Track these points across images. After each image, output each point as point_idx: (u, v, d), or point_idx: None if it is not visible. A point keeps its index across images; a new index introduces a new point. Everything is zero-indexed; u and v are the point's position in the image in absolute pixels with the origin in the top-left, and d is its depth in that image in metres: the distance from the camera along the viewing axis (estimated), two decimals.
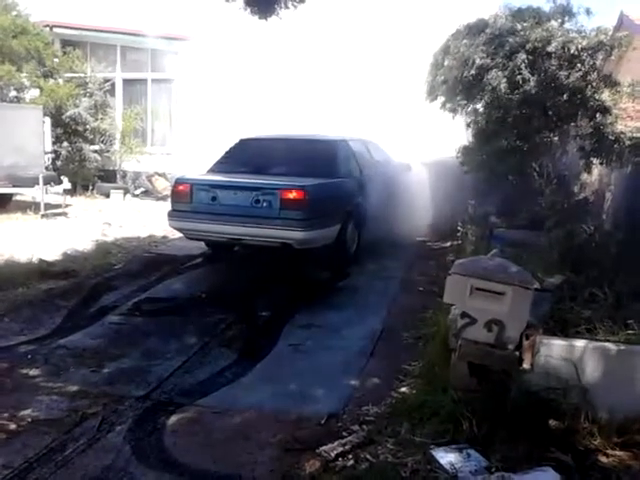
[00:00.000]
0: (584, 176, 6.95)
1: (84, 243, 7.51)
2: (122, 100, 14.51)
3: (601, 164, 5.74)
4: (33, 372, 3.89)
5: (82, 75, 13.86)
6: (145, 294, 5.66)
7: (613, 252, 4.83)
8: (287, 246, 5.90)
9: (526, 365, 3.17)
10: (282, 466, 2.86)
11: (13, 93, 13.11)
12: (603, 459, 2.73)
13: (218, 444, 3.08)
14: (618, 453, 2.77)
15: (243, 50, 11.64)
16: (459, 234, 7.56)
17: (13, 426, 3.18)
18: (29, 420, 3.25)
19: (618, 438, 2.82)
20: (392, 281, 6.33)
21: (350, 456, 2.91)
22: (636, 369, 2.98)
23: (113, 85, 14.37)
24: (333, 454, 2.92)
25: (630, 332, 3.30)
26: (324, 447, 2.97)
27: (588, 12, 6.09)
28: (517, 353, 3.21)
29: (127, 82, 14.53)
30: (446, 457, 2.75)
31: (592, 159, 5.68)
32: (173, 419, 3.33)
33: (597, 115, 5.37)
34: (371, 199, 7.11)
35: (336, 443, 3.01)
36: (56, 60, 13.52)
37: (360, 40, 11.78)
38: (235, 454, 2.98)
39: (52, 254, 6.80)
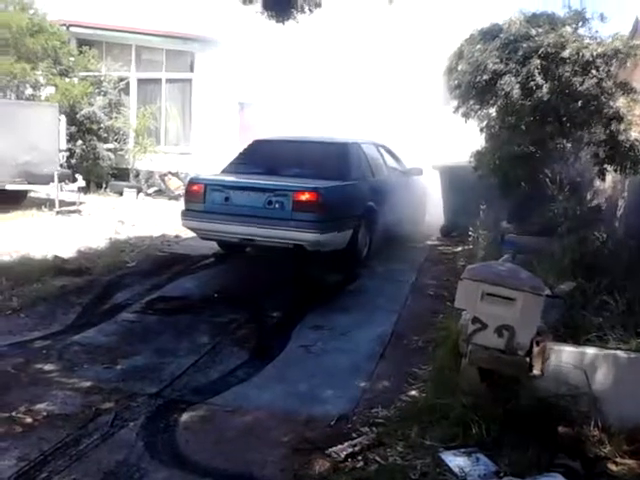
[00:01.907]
0: (597, 183, 6.92)
1: (98, 241, 7.59)
2: (136, 99, 14.64)
3: (615, 171, 5.73)
4: (48, 367, 3.96)
5: (97, 74, 14.01)
6: (158, 292, 5.72)
7: (625, 259, 4.81)
8: (300, 248, 5.94)
9: (536, 371, 3.18)
10: (292, 465, 2.90)
11: (29, 91, 13.26)
12: (612, 467, 2.74)
13: (229, 442, 3.12)
14: (628, 461, 2.77)
15: (258, 52, 11.71)
16: (470, 239, 7.56)
17: (29, 420, 3.24)
18: (44, 414, 3.31)
19: (628, 446, 2.83)
20: (403, 285, 6.35)
21: (359, 457, 2.94)
22: None
23: (128, 84, 14.50)
24: (343, 455, 2.94)
25: None
26: (334, 448, 3.00)
27: (602, 18, 6.06)
28: (527, 359, 3.22)
29: (141, 81, 14.65)
30: (455, 461, 2.77)
31: (606, 166, 5.67)
32: (185, 417, 3.38)
33: (612, 122, 5.35)
34: (383, 202, 7.14)
35: (346, 444, 3.04)
36: (72, 59, 13.66)
37: (375, 44, 11.82)
38: (246, 452, 3.02)
39: (66, 251, 6.88)
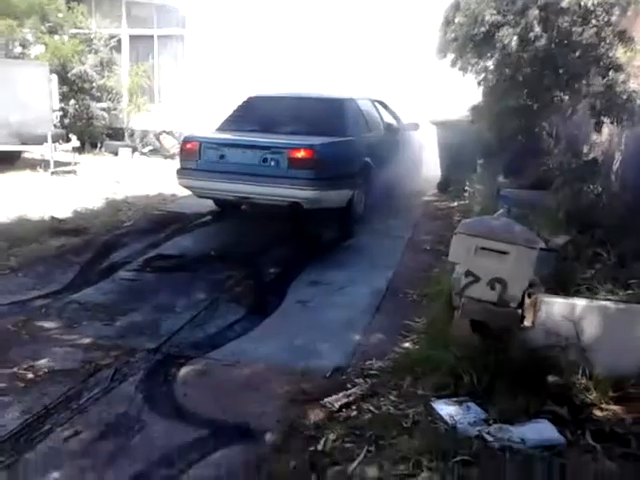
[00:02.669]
0: (594, 136, 6.86)
1: (94, 201, 7.58)
2: (129, 57, 14.33)
3: (612, 123, 5.67)
4: (48, 325, 4.02)
5: (87, 31, 13.68)
6: (155, 251, 5.76)
7: (620, 213, 4.82)
8: (296, 205, 5.94)
9: (527, 323, 3.24)
10: (288, 416, 2.98)
11: (18, 49, 12.98)
12: (598, 412, 2.82)
13: (227, 395, 3.20)
14: (612, 407, 2.85)
15: (251, 6, 11.43)
16: (467, 194, 7.56)
17: (30, 375, 3.31)
18: (45, 370, 3.38)
19: (613, 393, 2.90)
20: (398, 240, 6.39)
21: (354, 407, 3.02)
22: (634, 327, 3.04)
23: (119, 42, 14.17)
24: (337, 405, 3.03)
25: (630, 292, 3.35)
26: (329, 398, 3.08)
27: None
28: (519, 311, 3.28)
29: (133, 38, 14.30)
30: (446, 409, 2.85)
31: (603, 118, 5.61)
32: (183, 371, 3.45)
33: (610, 73, 5.27)
34: (380, 158, 7.10)
35: (340, 395, 3.12)
36: (60, 15, 13.31)
37: None
38: (243, 404, 3.10)
39: (63, 211, 6.89)
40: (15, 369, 3.36)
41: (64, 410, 2.98)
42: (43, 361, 3.47)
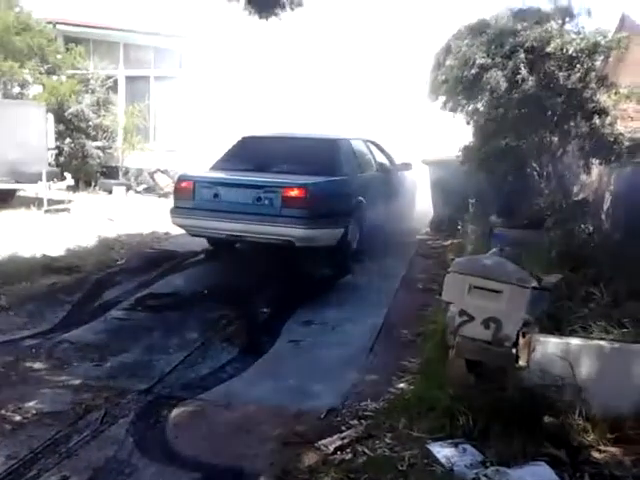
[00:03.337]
0: (584, 177, 6.98)
1: (87, 239, 7.57)
2: (125, 97, 14.56)
3: (600, 164, 5.79)
4: (37, 365, 3.96)
5: (85, 72, 13.93)
6: (147, 290, 5.72)
7: (611, 252, 4.86)
8: (289, 243, 5.96)
9: (522, 362, 3.22)
10: (282, 459, 2.92)
11: (17, 89, 13.16)
12: (596, 454, 2.78)
13: (219, 437, 3.13)
14: (611, 449, 2.81)
15: (246, 49, 11.70)
16: (459, 233, 7.61)
17: (18, 418, 3.24)
18: (34, 412, 3.31)
19: (611, 434, 2.87)
20: (392, 279, 6.38)
21: (348, 450, 2.96)
22: (630, 366, 3.02)
23: (116, 82, 14.41)
24: (332, 448, 2.97)
25: (625, 331, 3.35)
26: (323, 441, 3.03)
27: (589, 13, 6.12)
28: (514, 350, 3.27)
29: (130, 79, 14.57)
30: (442, 451, 2.80)
31: (591, 159, 5.73)
32: (175, 413, 3.39)
33: (594, 116, 5.41)
34: (372, 197, 7.16)
35: (335, 437, 3.07)
36: (59, 56, 13.56)
37: (362, 40, 11.84)
38: (236, 447, 3.04)
39: (55, 249, 6.86)
40: (3, 411, 3.28)
41: (52, 454, 2.90)
42: (32, 403, 3.40)
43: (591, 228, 5.60)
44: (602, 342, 3.18)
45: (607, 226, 6.08)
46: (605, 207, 6.43)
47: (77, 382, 3.72)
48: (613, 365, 3.06)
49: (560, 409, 2.97)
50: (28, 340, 4.38)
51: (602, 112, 5.46)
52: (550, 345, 3.17)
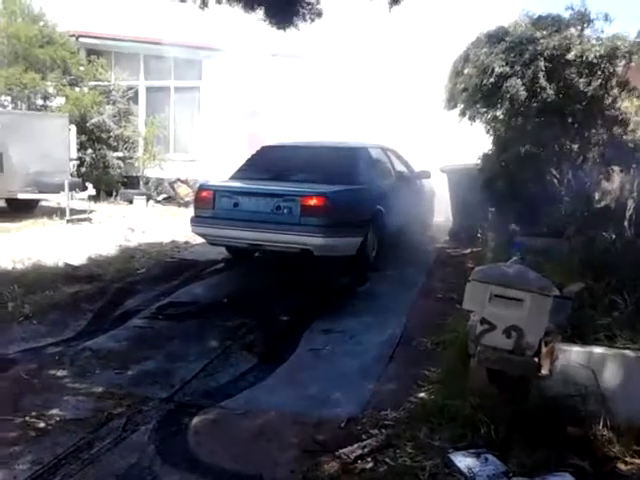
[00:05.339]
0: (605, 184, 6.91)
1: (108, 248, 7.67)
2: (145, 108, 14.78)
3: (621, 171, 5.73)
4: (60, 373, 4.00)
5: (106, 83, 14.17)
6: (168, 298, 5.77)
7: (634, 259, 4.78)
8: (307, 252, 5.97)
9: (544, 371, 3.18)
10: (302, 467, 2.91)
11: (40, 101, 13.43)
12: (622, 466, 2.73)
13: (240, 445, 3.14)
14: (637, 461, 2.76)
15: (264, 59, 11.79)
16: (479, 241, 7.56)
17: (42, 424, 3.28)
18: (57, 419, 3.35)
19: (637, 445, 2.82)
20: (411, 287, 6.36)
21: (369, 459, 2.95)
22: None
23: (136, 93, 14.64)
24: (352, 456, 2.96)
25: None
26: (343, 450, 3.02)
27: (607, 18, 6.07)
28: (536, 359, 3.23)
29: (150, 90, 14.79)
30: (464, 461, 2.78)
31: (612, 167, 5.67)
32: (196, 420, 3.40)
33: (615, 124, 5.36)
34: (391, 206, 7.16)
35: (355, 446, 3.06)
36: (81, 68, 13.83)
37: (382, 48, 11.88)
38: (256, 455, 3.05)
39: (77, 258, 6.96)
40: (27, 418, 3.33)
41: (75, 460, 2.94)
42: (55, 410, 3.45)
43: (613, 236, 5.51)
44: (626, 351, 3.13)
45: (630, 234, 5.99)
46: (628, 214, 6.34)
47: (99, 390, 3.75)
48: (638, 374, 3.01)
49: (584, 419, 2.93)
50: (51, 348, 4.44)
51: (623, 119, 5.41)
52: (573, 354, 3.13)
